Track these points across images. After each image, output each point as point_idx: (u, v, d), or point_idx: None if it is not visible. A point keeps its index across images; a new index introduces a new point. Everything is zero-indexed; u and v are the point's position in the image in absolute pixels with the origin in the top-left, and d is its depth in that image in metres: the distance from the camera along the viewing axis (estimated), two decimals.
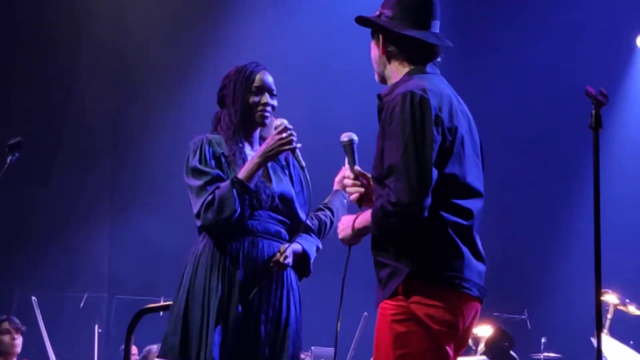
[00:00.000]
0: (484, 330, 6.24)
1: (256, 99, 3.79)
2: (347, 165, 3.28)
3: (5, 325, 6.44)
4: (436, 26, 3.16)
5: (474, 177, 3.06)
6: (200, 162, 3.71)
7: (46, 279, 8.32)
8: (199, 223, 3.66)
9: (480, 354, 6.18)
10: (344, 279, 3.22)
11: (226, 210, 3.59)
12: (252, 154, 3.77)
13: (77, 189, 8.77)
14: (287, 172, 3.89)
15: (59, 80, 8.66)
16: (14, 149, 4.96)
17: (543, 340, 7.56)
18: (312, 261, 3.84)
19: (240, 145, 3.78)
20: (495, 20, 8.75)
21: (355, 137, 3.31)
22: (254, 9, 8.76)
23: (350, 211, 3.69)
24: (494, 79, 8.66)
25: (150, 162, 8.68)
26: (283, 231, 3.80)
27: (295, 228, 3.83)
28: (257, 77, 3.82)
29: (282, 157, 3.86)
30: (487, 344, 6.09)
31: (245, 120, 3.80)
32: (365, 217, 3.04)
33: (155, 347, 6.71)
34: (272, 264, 3.67)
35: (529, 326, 7.95)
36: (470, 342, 5.87)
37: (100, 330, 7.88)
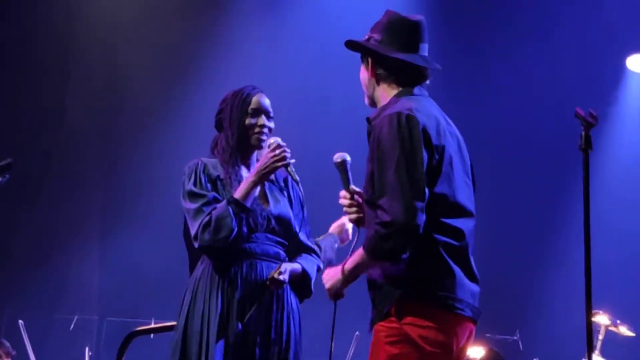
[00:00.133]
0: (476, 352, 6.22)
1: (253, 121, 3.80)
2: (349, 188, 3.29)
3: None
4: (424, 49, 3.20)
5: (465, 196, 3.06)
6: (195, 186, 3.72)
7: (35, 301, 8.27)
8: (196, 245, 3.66)
9: None
10: (334, 327, 3.22)
11: (223, 230, 3.60)
12: None
13: (66, 210, 8.73)
14: (285, 193, 3.89)
15: (48, 100, 8.64)
16: (4, 171, 4.94)
17: None
18: (313, 281, 3.82)
19: (237, 168, 3.79)
20: (484, 42, 8.78)
21: (348, 157, 3.33)
22: (244, 30, 8.78)
23: (338, 260, 3.69)
24: (482, 102, 8.68)
25: (139, 183, 8.66)
26: (282, 252, 3.80)
27: (295, 249, 3.84)
28: (254, 99, 3.83)
29: (280, 178, 3.89)
30: None
31: (241, 142, 3.81)
32: (354, 257, 3.03)
33: None
34: (267, 281, 3.66)
35: (521, 347, 7.93)
36: None
37: (90, 353, 7.83)
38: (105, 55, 8.75)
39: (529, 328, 8.29)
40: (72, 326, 8.42)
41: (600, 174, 8.36)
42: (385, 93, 3.17)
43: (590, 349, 3.01)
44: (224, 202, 3.65)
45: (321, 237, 4.09)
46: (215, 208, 3.64)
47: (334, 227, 4.10)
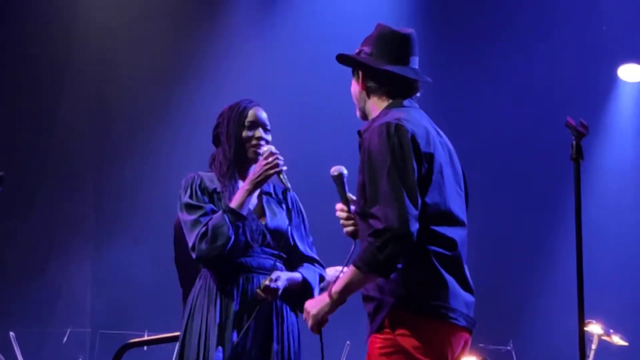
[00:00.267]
0: None
1: (249, 133, 3.81)
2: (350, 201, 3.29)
3: None
4: (415, 62, 3.21)
5: (456, 206, 3.07)
6: (191, 198, 3.73)
7: (27, 314, 8.24)
8: (194, 255, 3.66)
9: None
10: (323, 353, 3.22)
11: (220, 238, 3.61)
12: None
13: (58, 222, 8.71)
14: (284, 206, 3.89)
15: (41, 113, 8.62)
16: None
17: None
18: (315, 290, 3.78)
19: (234, 181, 3.79)
20: (475, 53, 8.80)
21: (344, 171, 3.34)
22: (239, 43, 8.78)
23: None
24: (472, 111, 8.70)
25: (132, 195, 8.65)
26: (279, 265, 3.79)
27: (297, 260, 3.83)
28: (250, 112, 3.84)
29: (279, 190, 3.90)
30: None
31: (238, 155, 3.82)
32: (343, 278, 2.99)
33: None
34: (259, 290, 3.65)
35: (514, 357, 7.93)
36: None
37: None
38: (99, 66, 8.74)
39: (522, 338, 8.29)
40: (65, 339, 8.39)
41: (592, 182, 8.38)
42: (376, 105, 3.18)
43: (583, 359, 3.02)
44: (220, 212, 3.67)
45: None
46: (211, 219, 3.65)
47: (329, 269, 4.05)
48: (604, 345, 5.93)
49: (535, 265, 8.90)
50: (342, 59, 3.25)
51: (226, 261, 3.65)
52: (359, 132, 3.16)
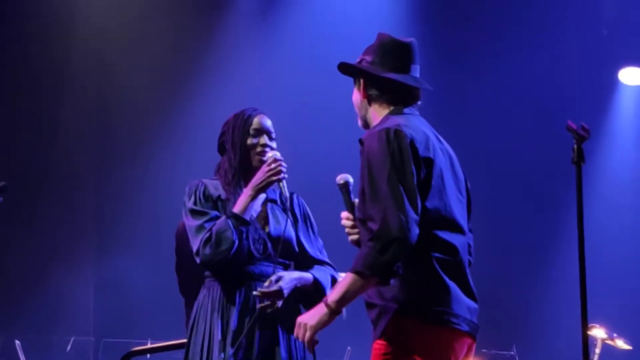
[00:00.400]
0: None
1: (254, 141, 3.82)
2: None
3: None
4: (416, 70, 3.23)
5: (457, 212, 3.07)
6: (195, 204, 3.74)
7: (31, 322, 8.24)
8: (198, 260, 3.67)
9: None
10: None
11: (224, 243, 3.61)
12: None
13: (60, 230, 8.71)
14: (289, 212, 3.88)
15: (41, 114, 8.61)
16: None
17: None
18: (327, 290, 3.72)
19: (239, 189, 3.79)
20: (474, 55, 8.80)
21: (350, 179, 3.34)
22: (239, 44, 8.78)
23: None
24: (474, 115, 8.69)
25: (134, 202, 8.65)
26: (280, 271, 3.77)
27: (307, 264, 3.82)
28: (255, 120, 3.85)
29: (285, 197, 3.88)
30: None
31: (244, 163, 3.82)
32: (340, 286, 2.95)
33: None
34: (257, 292, 3.61)
35: None
36: None
37: None
38: (99, 73, 8.74)
39: (526, 343, 8.28)
40: (69, 347, 8.39)
41: (593, 185, 8.38)
42: (377, 113, 3.19)
43: None
44: (223, 217, 3.68)
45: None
46: (215, 224, 3.66)
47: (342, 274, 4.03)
48: (607, 350, 5.92)
49: (538, 269, 8.89)
50: (344, 67, 3.27)
51: (230, 267, 3.65)
52: (360, 141, 3.16)
